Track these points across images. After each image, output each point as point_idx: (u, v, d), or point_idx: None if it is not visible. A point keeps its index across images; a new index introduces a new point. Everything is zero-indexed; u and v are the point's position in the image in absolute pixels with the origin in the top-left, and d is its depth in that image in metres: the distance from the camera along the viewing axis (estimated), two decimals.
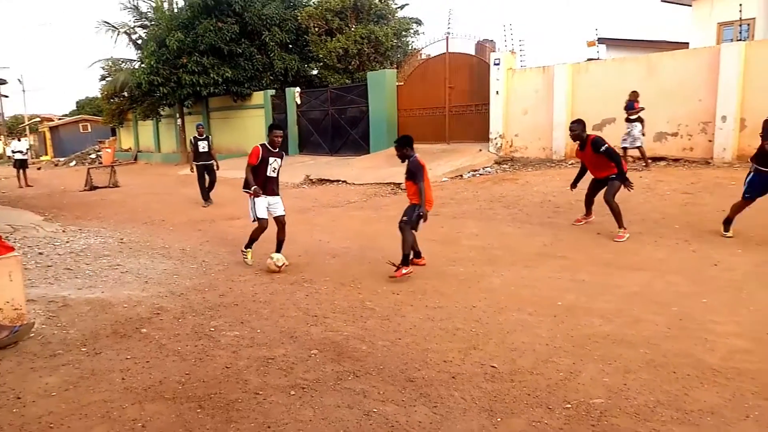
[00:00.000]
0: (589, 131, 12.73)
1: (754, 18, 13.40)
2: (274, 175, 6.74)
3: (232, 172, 12.21)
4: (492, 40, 21.84)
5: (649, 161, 11.24)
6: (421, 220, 6.01)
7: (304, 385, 3.63)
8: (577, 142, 7.50)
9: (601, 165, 7.36)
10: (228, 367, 3.94)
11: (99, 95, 32.25)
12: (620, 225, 7.21)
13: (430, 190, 6.14)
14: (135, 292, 5.79)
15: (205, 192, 12.34)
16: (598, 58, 15.75)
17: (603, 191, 7.40)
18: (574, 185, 8.10)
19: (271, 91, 21.72)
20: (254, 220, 6.64)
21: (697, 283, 5.38)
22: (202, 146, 12.17)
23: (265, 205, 6.67)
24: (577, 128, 7.43)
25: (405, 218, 6.03)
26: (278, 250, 6.82)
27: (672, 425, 3.00)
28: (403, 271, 5.91)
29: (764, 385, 3.36)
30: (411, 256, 6.08)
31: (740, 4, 12.41)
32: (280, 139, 6.70)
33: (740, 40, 11.92)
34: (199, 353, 4.20)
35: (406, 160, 6.12)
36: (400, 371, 3.79)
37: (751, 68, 10.27)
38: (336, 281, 6.02)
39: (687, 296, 5.02)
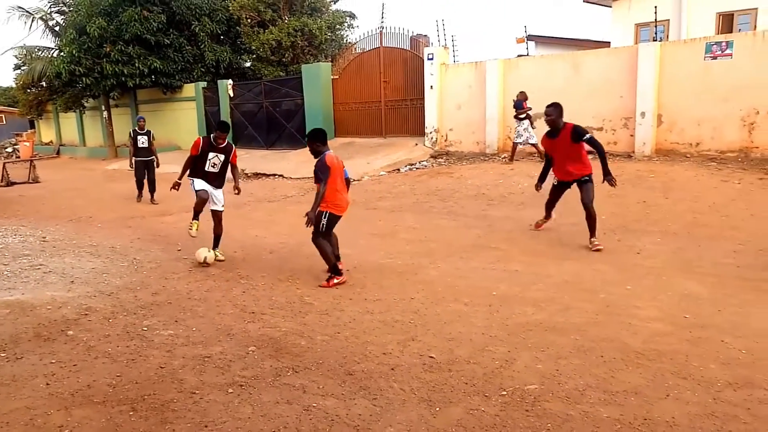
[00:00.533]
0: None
1: (668, 19, 14.19)
2: (215, 170, 6.60)
3: (163, 167, 11.77)
4: (426, 35, 22.02)
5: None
6: (322, 224, 5.54)
7: (242, 383, 3.57)
8: (549, 128, 6.61)
9: (574, 158, 6.53)
10: (162, 367, 3.81)
11: (14, 85, 30.24)
12: (594, 233, 6.57)
13: (340, 192, 5.59)
14: (60, 293, 5.49)
15: (141, 185, 11.72)
16: (527, 55, 16.25)
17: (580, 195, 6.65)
18: (539, 184, 7.20)
19: (203, 84, 21.07)
20: (195, 193, 6.56)
21: (622, 270, 5.68)
22: (142, 141, 11.49)
23: (204, 185, 6.56)
24: (553, 113, 6.49)
25: (313, 231, 5.61)
26: (215, 246, 6.67)
27: (600, 406, 3.16)
28: (335, 281, 5.56)
29: (682, 365, 3.59)
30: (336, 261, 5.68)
31: (655, 6, 13.11)
32: (223, 142, 6.61)
33: (656, 40, 12.60)
34: (131, 354, 4.05)
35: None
36: (340, 365, 3.80)
37: (666, 67, 10.88)
38: (273, 277, 5.94)
39: (613, 284, 5.29)
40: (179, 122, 21.68)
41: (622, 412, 3.08)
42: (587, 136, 6.39)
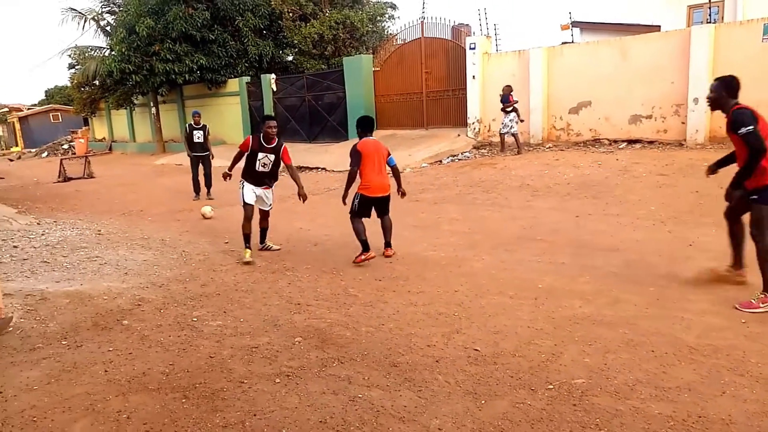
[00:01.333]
0: (564, 114, 13.05)
1: (722, 0, 13.59)
2: (265, 170, 6.50)
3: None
4: (467, 25, 21.76)
5: (525, 148, 12.19)
6: (354, 204, 6.11)
7: (289, 373, 3.64)
8: (712, 109, 4.67)
9: (741, 156, 4.39)
10: (212, 357, 3.93)
11: (69, 84, 31.45)
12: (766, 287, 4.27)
13: (371, 176, 6.02)
14: (115, 283, 5.72)
15: (197, 185, 11.74)
16: (572, 42, 15.86)
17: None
18: (713, 169, 4.86)
19: (246, 78, 21.44)
20: (242, 206, 6.50)
21: (674, 263, 5.50)
22: (198, 136, 11.49)
23: (253, 193, 6.50)
24: (715, 88, 4.54)
25: (349, 211, 6.20)
26: (262, 240, 6.80)
27: (651, 402, 3.08)
28: (362, 257, 5.98)
29: (738, 362, 3.46)
30: (385, 243, 6.30)
31: None
32: (273, 131, 6.42)
33: (710, 22, 12.09)
34: (182, 343, 4.18)
35: None
36: (384, 357, 3.82)
37: (721, 50, 10.43)
38: (318, 269, 6.02)
39: (664, 276, 5.13)
40: (224, 117, 22.13)
41: (675, 409, 3.00)
42: (744, 130, 4.20)
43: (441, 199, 9.55)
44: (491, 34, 14.56)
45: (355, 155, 5.99)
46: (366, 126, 6.12)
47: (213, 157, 11.83)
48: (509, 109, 12.24)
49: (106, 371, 3.75)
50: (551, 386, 3.31)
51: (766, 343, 3.66)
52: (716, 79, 4.62)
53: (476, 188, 9.97)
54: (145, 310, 4.94)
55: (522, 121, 12.55)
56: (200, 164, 11.66)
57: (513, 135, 12.27)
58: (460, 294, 4.98)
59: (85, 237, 8.09)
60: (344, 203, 6.21)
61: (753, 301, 4.24)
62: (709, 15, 12.78)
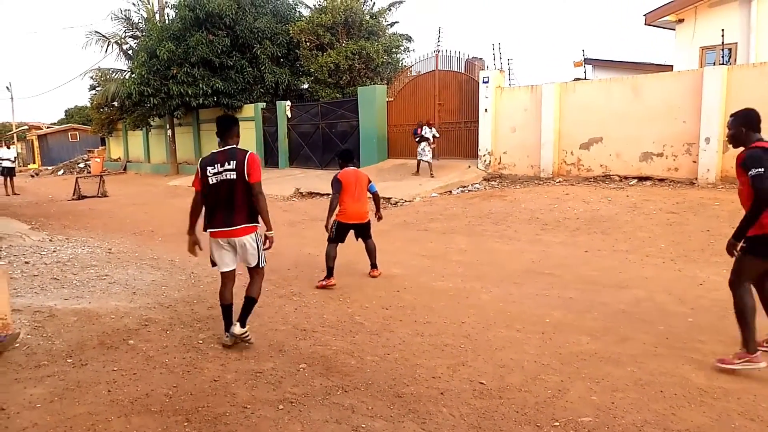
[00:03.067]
0: (575, 150, 13.11)
1: (735, 43, 13.69)
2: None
3: None
4: (481, 59, 21.97)
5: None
6: (332, 230, 6.37)
7: (293, 399, 3.62)
8: (733, 146, 4.13)
9: (743, 200, 4.02)
10: (216, 380, 3.91)
11: (89, 104, 32.09)
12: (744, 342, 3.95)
13: (349, 204, 6.35)
14: (122, 303, 5.74)
15: None
16: (585, 78, 16.00)
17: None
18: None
19: (262, 104, 21.76)
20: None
21: (683, 302, 5.45)
22: None
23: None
24: (731, 125, 4.10)
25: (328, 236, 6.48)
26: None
27: None
28: (323, 282, 6.26)
29: (749, 405, 3.40)
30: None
31: (722, 29, 12.69)
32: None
33: (722, 63, 12.17)
34: (186, 366, 4.17)
35: None
36: (389, 386, 3.79)
37: (733, 91, 10.48)
38: (325, 295, 6.01)
39: (673, 315, 5.08)
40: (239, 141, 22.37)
41: None
42: (753, 171, 3.75)
43: (450, 230, 9.56)
44: (505, 69, 14.75)
45: (336, 184, 6.34)
46: (346, 157, 6.59)
47: None
48: (417, 139, 14.28)
49: (109, 391, 3.74)
50: (557, 423, 3.26)
51: None
52: (732, 115, 4.16)
53: (485, 220, 9.98)
54: (152, 330, 4.94)
55: (433, 148, 14.52)
56: None
57: (427, 162, 14.15)
58: (467, 326, 4.95)
59: (95, 255, 8.15)
60: (326, 230, 6.39)
61: (730, 356, 3.99)
62: (722, 56, 12.87)
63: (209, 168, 4.39)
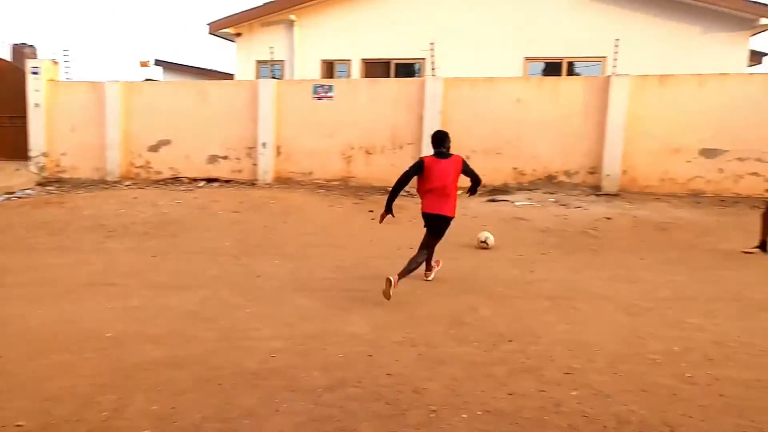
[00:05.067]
0: (144, 152, 12.85)
1: (284, 60, 15.62)
2: None
3: None
4: (32, 46, 19.31)
5: None
6: None
7: None
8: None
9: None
10: None
11: None
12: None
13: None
14: None
15: None
16: (155, 80, 15.70)
17: None
18: None
19: None
20: None
21: (243, 294, 5.87)
22: None
23: None
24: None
25: None
26: None
27: None
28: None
29: (291, 378, 3.87)
30: None
31: (271, 47, 14.30)
32: None
33: (273, 77, 13.72)
34: None
35: None
36: None
37: (283, 103, 11.99)
38: None
39: (235, 308, 5.41)
40: None
41: None
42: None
43: None
44: (59, 60, 13.14)
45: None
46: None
47: None
48: None
49: None
50: None
51: (311, 358, 4.21)
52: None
53: (39, 231, 8.69)
54: None
55: None
56: None
57: None
58: (4, 360, 4.16)
59: None
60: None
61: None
62: (272, 71, 14.49)
63: None
